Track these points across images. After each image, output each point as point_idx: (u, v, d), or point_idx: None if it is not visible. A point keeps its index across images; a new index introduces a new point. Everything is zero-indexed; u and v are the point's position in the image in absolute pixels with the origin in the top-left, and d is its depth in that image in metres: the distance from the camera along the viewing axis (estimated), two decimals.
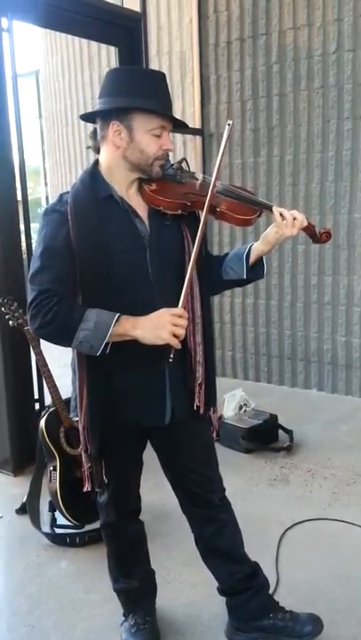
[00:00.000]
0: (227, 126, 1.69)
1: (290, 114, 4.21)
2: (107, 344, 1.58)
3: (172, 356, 1.59)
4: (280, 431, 3.59)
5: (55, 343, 1.66)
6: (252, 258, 1.81)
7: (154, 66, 4.66)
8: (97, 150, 1.75)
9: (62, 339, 1.62)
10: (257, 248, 1.80)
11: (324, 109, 4.07)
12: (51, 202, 1.73)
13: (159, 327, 1.56)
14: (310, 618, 1.98)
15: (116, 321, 1.57)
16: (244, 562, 1.99)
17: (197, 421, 1.82)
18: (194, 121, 4.62)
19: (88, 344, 1.58)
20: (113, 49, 4.34)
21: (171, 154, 1.75)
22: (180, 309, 1.59)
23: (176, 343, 1.57)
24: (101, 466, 1.78)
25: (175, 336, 1.56)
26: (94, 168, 1.72)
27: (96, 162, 1.74)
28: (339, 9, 3.89)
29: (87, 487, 1.81)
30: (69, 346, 1.63)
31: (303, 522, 2.72)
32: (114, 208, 1.67)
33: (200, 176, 1.79)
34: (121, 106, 1.62)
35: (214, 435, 1.91)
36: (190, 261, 1.63)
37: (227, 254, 1.89)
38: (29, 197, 3.52)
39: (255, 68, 4.30)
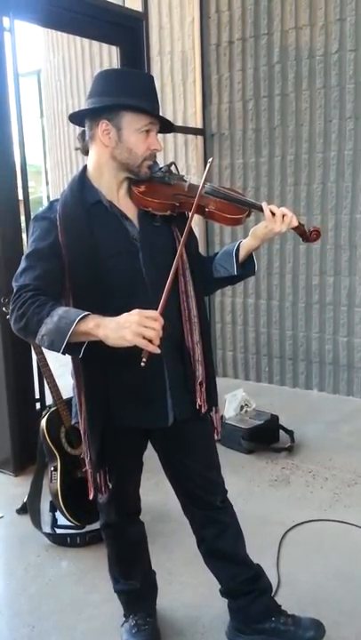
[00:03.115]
0: (208, 163, 1.75)
1: (292, 114, 4.21)
2: (75, 345, 1.49)
3: (144, 360, 1.45)
4: (281, 432, 3.59)
5: (24, 337, 1.60)
6: (242, 253, 1.81)
7: (155, 66, 4.66)
8: (85, 152, 1.75)
9: (29, 332, 1.54)
10: (246, 243, 1.80)
11: (326, 109, 4.06)
12: (41, 209, 1.74)
13: (123, 327, 1.43)
14: (313, 623, 1.97)
15: (82, 319, 1.47)
16: (246, 564, 1.98)
17: (199, 422, 1.82)
18: (195, 121, 4.62)
19: (49, 339, 1.49)
20: (114, 49, 4.35)
21: (161, 156, 1.75)
22: (153, 312, 1.46)
23: (145, 344, 1.42)
24: (105, 470, 1.76)
25: (147, 339, 1.42)
26: (82, 174, 1.73)
27: (84, 168, 1.74)
28: (341, 9, 3.88)
29: (92, 495, 1.78)
30: (34, 339, 1.54)
31: (304, 523, 2.71)
32: (103, 213, 1.68)
33: (189, 178, 1.81)
34: (110, 104, 1.63)
35: (216, 435, 1.90)
36: (173, 266, 1.57)
37: (217, 253, 1.89)
38: (30, 197, 3.52)
39: (257, 67, 4.30)
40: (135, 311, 1.46)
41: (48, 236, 1.63)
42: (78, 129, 1.78)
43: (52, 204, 1.70)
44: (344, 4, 3.87)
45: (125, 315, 1.46)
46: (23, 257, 1.65)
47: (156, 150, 1.70)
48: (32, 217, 1.72)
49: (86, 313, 1.48)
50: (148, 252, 1.69)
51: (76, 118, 1.74)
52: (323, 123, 4.09)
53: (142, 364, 1.45)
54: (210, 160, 1.78)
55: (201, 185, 1.69)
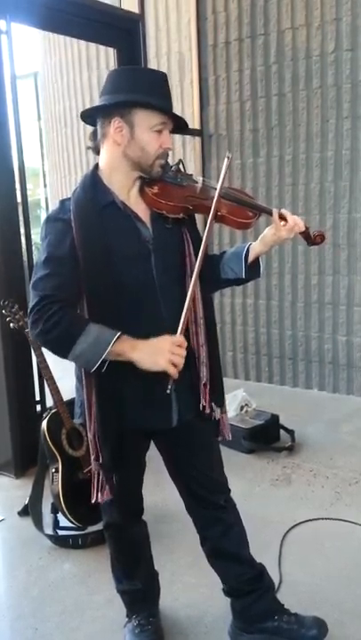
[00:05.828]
0: (226, 159, 1.73)
1: (289, 114, 4.22)
2: (104, 361, 1.56)
3: (169, 387, 1.57)
4: (282, 431, 3.59)
5: (52, 352, 1.64)
6: (251, 258, 1.82)
7: (152, 67, 4.66)
8: (97, 151, 1.74)
9: (60, 349, 1.60)
10: (255, 248, 1.81)
11: (323, 109, 4.07)
12: (52, 209, 1.72)
13: (157, 353, 1.54)
14: (315, 621, 1.97)
15: (117, 339, 1.54)
16: (250, 563, 1.98)
17: (202, 423, 1.81)
18: (193, 122, 4.62)
19: (84, 358, 1.57)
20: (112, 50, 4.34)
21: (169, 154, 1.75)
22: (179, 337, 1.57)
23: (174, 372, 1.55)
24: (112, 472, 1.75)
25: (174, 365, 1.55)
26: (94, 173, 1.71)
27: (96, 166, 1.73)
28: (337, 9, 3.89)
29: (95, 498, 1.77)
30: (65, 357, 1.60)
31: (306, 521, 2.72)
32: (116, 214, 1.67)
33: (199, 179, 1.80)
34: (124, 100, 1.62)
35: (227, 437, 1.89)
36: (190, 288, 1.61)
37: (223, 253, 1.89)
38: (29, 199, 3.52)
39: (254, 68, 4.31)
40: (166, 338, 1.57)
41: (64, 238, 1.62)
42: (76, 131, 1.78)
43: (63, 203, 1.68)
44: (340, 4, 3.88)
45: (156, 340, 1.57)
46: (40, 261, 1.63)
47: (168, 149, 1.69)
48: (45, 219, 1.69)
49: (119, 333, 1.55)
50: (160, 254, 1.69)
51: (88, 117, 1.73)
52: (320, 122, 4.10)
53: (168, 391, 1.57)
54: (228, 156, 1.71)
55: (218, 189, 1.68)
